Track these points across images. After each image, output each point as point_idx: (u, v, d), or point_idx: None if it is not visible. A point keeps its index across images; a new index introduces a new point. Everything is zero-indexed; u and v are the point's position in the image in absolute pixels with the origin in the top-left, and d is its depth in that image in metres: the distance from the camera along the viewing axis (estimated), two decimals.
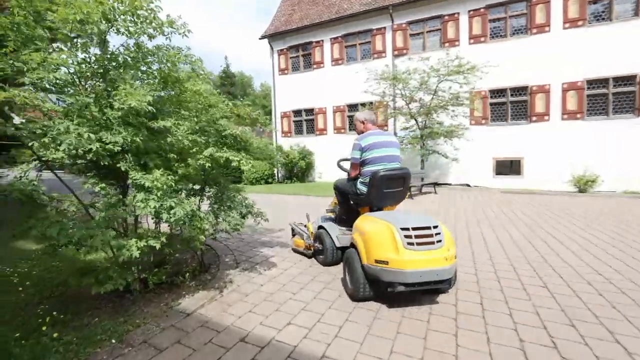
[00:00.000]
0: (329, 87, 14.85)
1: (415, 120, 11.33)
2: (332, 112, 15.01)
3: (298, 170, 14.84)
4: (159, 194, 2.21)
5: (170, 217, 2.25)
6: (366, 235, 2.65)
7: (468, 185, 12.32)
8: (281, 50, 16.06)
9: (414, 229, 2.48)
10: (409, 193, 8.94)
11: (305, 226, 4.26)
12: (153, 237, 2.34)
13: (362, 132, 3.34)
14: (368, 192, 3.10)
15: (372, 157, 3.13)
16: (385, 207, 3.29)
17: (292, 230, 4.42)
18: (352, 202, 3.55)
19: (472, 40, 11.92)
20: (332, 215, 4.04)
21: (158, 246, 2.33)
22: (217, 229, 3.10)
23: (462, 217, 6.33)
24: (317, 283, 3.09)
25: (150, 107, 2.24)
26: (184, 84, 2.71)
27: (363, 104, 13.64)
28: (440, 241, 2.48)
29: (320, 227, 3.75)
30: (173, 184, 2.32)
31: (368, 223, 2.78)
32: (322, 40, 14.91)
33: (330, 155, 14.98)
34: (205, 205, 3.27)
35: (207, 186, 3.32)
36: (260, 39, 16.22)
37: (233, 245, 4.47)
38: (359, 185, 3.22)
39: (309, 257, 3.92)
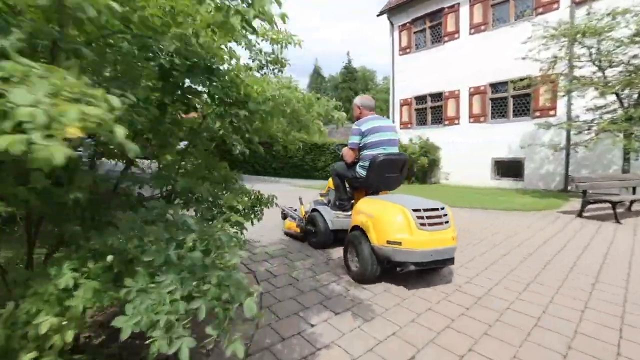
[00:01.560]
0: (464, 64, 11.38)
1: (617, 95, 7.04)
2: (467, 95, 11.51)
3: (419, 169, 11.87)
4: None
5: None
6: (377, 218, 2.64)
7: None
8: (403, 25, 13.34)
9: (425, 210, 2.56)
10: (613, 213, 5.27)
11: (295, 210, 4.28)
12: None
13: (359, 118, 3.31)
14: (367, 175, 3.12)
15: (372, 141, 3.14)
16: (381, 191, 3.32)
17: (283, 213, 4.37)
18: (348, 187, 3.58)
19: None
20: (324, 200, 4.01)
21: None
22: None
23: None
24: None
25: None
26: None
27: (521, 79, 9.45)
28: (447, 222, 2.61)
29: (314, 210, 3.73)
30: None
31: (376, 205, 2.77)
32: (458, 4, 11.53)
33: (463, 151, 11.55)
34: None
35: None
36: (378, 15, 13.90)
37: (267, 283, 2.57)
38: (358, 169, 3.23)
39: (302, 240, 3.93)
